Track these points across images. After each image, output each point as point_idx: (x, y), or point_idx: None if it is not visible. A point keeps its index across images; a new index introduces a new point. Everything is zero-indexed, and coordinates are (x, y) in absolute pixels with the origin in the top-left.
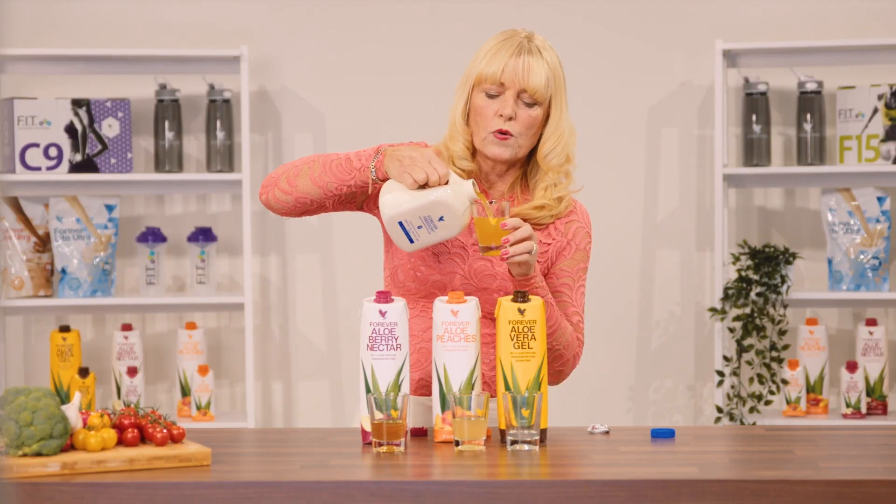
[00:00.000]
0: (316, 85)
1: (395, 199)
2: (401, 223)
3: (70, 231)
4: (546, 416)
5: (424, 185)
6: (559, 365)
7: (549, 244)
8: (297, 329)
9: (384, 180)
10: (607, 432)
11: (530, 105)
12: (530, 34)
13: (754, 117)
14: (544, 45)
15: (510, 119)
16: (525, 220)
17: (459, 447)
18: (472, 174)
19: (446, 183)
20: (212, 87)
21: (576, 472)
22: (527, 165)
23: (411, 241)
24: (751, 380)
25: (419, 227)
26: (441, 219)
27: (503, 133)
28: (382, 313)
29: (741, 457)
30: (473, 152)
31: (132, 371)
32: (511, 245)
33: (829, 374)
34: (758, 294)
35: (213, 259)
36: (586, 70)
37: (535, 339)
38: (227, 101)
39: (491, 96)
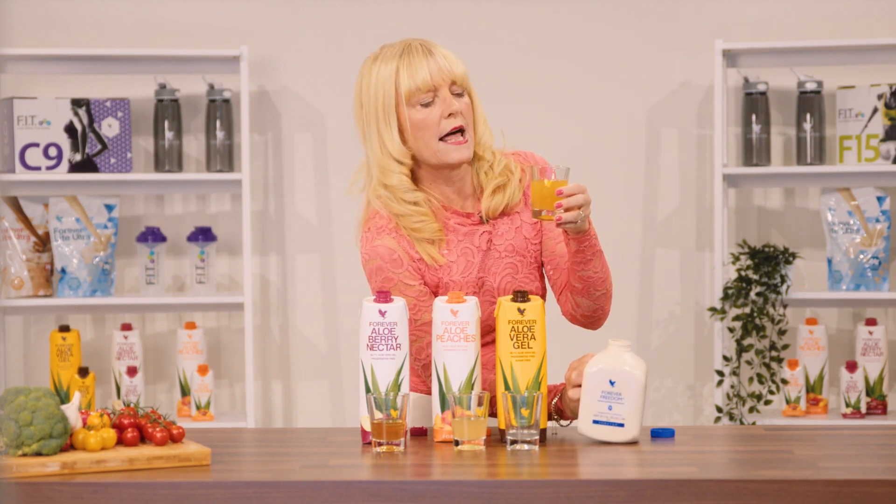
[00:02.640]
0: (316, 85)
1: (581, 414)
2: (595, 421)
3: (70, 231)
4: (546, 416)
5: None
6: (609, 305)
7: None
8: (296, 329)
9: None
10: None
11: (460, 95)
12: (419, 39)
13: (754, 117)
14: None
15: (458, 115)
16: (501, 211)
17: (459, 447)
18: (429, 202)
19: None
20: (211, 86)
21: (576, 472)
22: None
23: (621, 425)
24: (750, 379)
25: (609, 409)
26: (612, 384)
27: (458, 133)
28: (382, 313)
29: (741, 456)
30: (413, 179)
31: (132, 371)
32: (565, 211)
33: (829, 374)
34: (757, 294)
35: (213, 259)
36: (586, 70)
37: (534, 338)
38: (226, 101)
39: (426, 105)
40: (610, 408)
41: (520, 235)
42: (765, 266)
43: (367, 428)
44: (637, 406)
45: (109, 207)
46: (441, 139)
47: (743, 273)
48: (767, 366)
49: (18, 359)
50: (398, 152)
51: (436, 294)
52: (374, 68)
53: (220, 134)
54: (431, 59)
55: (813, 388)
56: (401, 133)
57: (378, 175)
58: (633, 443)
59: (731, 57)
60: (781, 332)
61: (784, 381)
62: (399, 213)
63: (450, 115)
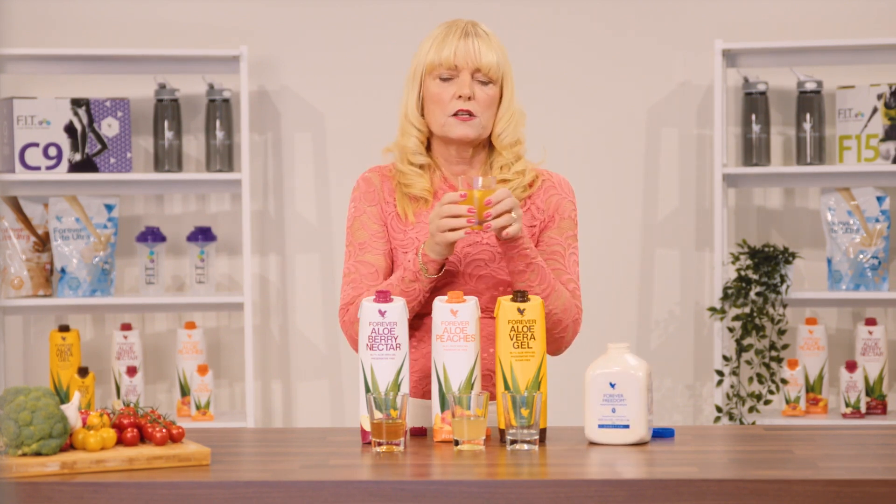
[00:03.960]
0: (315, 85)
1: (586, 419)
2: (600, 426)
3: (69, 231)
4: (546, 416)
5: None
6: (559, 331)
7: (535, 225)
8: (296, 329)
9: (439, 270)
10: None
11: (485, 83)
12: (473, 21)
13: (754, 117)
14: (488, 31)
15: (469, 99)
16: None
17: (459, 447)
18: (430, 168)
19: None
20: (211, 86)
21: (576, 472)
22: (490, 150)
23: (627, 426)
24: (750, 379)
25: (613, 411)
26: (613, 386)
27: (465, 113)
28: (382, 313)
29: (740, 456)
30: (427, 146)
31: (131, 371)
32: (493, 218)
33: (829, 374)
34: (757, 294)
35: (213, 259)
36: (586, 70)
37: (534, 338)
38: (226, 101)
39: (445, 80)
40: (613, 410)
41: None
42: (764, 266)
43: (367, 428)
44: (641, 406)
45: (109, 207)
46: (449, 116)
47: (743, 273)
48: (767, 366)
49: (18, 359)
50: (413, 117)
51: (395, 251)
52: (426, 39)
53: (219, 134)
54: (464, 41)
55: (813, 388)
56: (420, 101)
57: (398, 133)
58: (641, 444)
59: (730, 57)
60: (781, 332)
61: (784, 381)
62: (401, 170)
63: (461, 96)
